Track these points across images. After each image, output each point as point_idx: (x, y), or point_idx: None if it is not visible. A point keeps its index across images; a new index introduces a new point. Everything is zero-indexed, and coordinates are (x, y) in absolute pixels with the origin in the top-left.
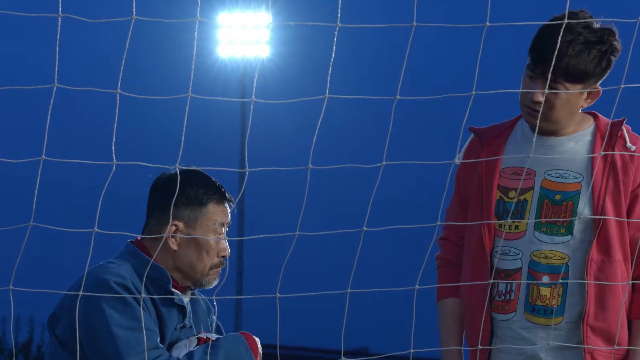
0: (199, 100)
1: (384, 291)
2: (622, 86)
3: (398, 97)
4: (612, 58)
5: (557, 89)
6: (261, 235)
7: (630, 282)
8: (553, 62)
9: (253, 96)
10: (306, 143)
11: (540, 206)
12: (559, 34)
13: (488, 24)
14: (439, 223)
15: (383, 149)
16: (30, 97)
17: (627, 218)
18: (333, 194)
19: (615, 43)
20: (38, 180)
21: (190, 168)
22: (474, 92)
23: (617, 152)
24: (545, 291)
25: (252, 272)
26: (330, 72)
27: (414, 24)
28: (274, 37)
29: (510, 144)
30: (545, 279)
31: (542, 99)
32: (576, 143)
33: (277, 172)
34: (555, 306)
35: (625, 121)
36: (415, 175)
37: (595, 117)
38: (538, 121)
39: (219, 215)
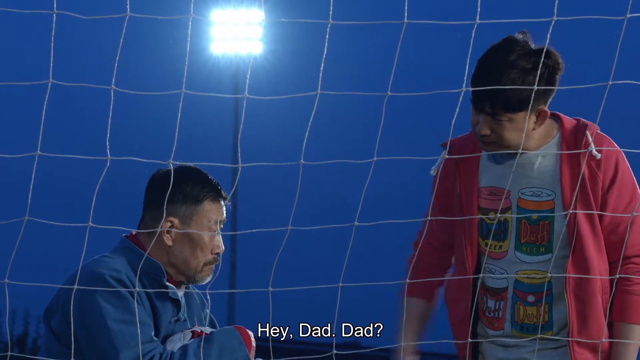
0: (192, 97)
1: (375, 285)
2: (610, 83)
3: (389, 93)
4: (555, 77)
5: (501, 120)
6: (254, 230)
7: (612, 277)
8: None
9: (246, 92)
10: (298, 139)
11: (519, 226)
12: (493, 68)
13: (478, 21)
14: (429, 218)
15: (374, 145)
16: (25, 93)
17: (600, 224)
18: (325, 189)
19: (552, 62)
20: (33, 175)
21: (187, 165)
22: (463, 89)
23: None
24: (531, 310)
25: (245, 266)
26: (322, 68)
27: (405, 21)
28: (266, 34)
29: (483, 163)
30: (531, 298)
31: (488, 131)
32: (544, 158)
33: (269, 167)
34: (543, 323)
35: (587, 127)
36: (406, 171)
37: (560, 123)
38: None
39: (214, 213)
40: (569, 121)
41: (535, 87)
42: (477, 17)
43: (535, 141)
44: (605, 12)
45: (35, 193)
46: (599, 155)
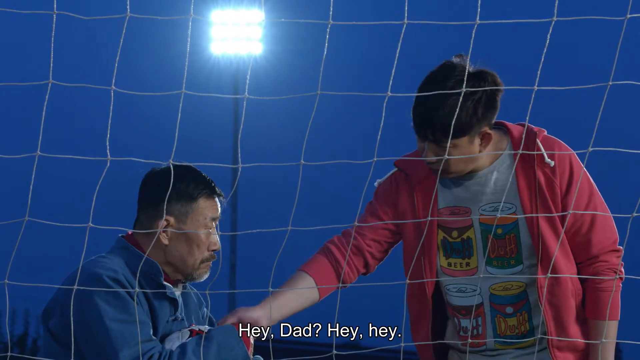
0: (193, 97)
1: (374, 285)
2: (610, 83)
3: (389, 93)
4: (495, 98)
5: (445, 147)
6: (254, 230)
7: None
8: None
9: (246, 93)
10: (298, 139)
11: (486, 241)
12: (431, 96)
13: (478, 21)
14: (429, 218)
15: (374, 145)
16: (26, 94)
17: (562, 229)
18: (325, 189)
19: (489, 85)
20: (33, 176)
21: (180, 163)
22: (464, 89)
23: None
24: (512, 321)
25: (245, 266)
26: (322, 69)
27: (405, 21)
28: (266, 34)
29: (440, 186)
30: (509, 310)
31: (433, 159)
32: (499, 172)
33: (269, 168)
34: (525, 332)
35: (536, 134)
36: None
37: (508, 134)
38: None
39: (210, 210)
40: (516, 129)
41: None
42: (477, 18)
43: (486, 158)
44: (605, 13)
45: (35, 193)
46: (552, 162)
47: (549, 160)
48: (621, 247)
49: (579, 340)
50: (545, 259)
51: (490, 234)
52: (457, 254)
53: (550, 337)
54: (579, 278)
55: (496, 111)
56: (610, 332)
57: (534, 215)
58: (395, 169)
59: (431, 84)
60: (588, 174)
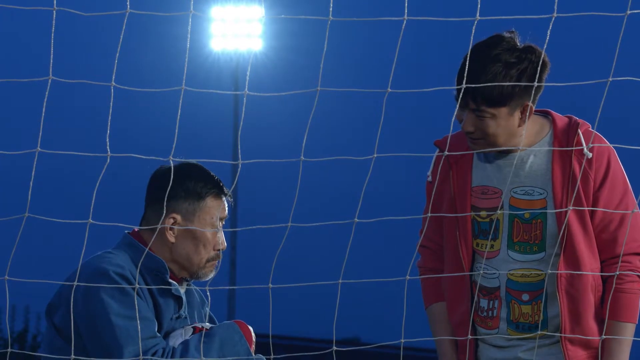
0: (193, 93)
1: (375, 282)
2: (610, 79)
3: (389, 90)
4: (541, 74)
5: (484, 116)
6: (254, 227)
7: (604, 275)
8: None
9: (246, 89)
10: (298, 135)
11: (512, 225)
12: (476, 61)
13: (478, 17)
14: (429, 214)
15: (375, 142)
16: (27, 90)
17: (592, 222)
18: (325, 185)
19: (536, 58)
20: (33, 172)
21: (189, 161)
22: (464, 85)
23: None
24: (526, 309)
25: (245, 263)
26: (322, 65)
27: (405, 17)
28: (266, 30)
29: (474, 162)
30: (525, 297)
31: (471, 128)
32: (535, 156)
33: (269, 164)
34: (538, 321)
35: (579, 125)
36: (407, 167)
37: (552, 121)
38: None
39: (217, 210)
40: (560, 119)
41: (536, 84)
42: (478, 14)
43: (525, 139)
44: (606, 9)
45: (35, 190)
46: (590, 154)
47: (587, 152)
48: None
49: (589, 337)
50: (569, 249)
51: (517, 218)
52: (484, 235)
53: (562, 335)
54: (601, 276)
55: (541, 89)
56: (626, 335)
57: (562, 209)
58: (437, 151)
59: (478, 50)
60: (625, 173)
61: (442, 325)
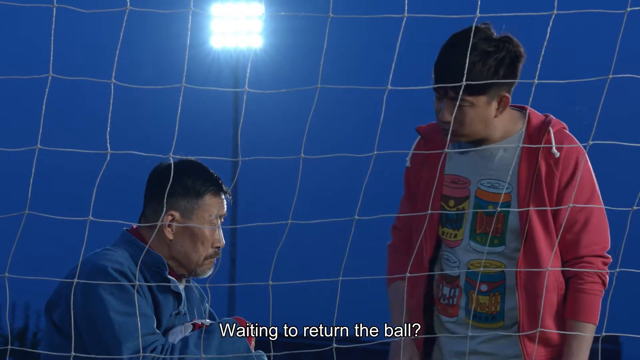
0: (193, 91)
1: (375, 279)
2: (610, 76)
3: (389, 87)
4: (516, 65)
5: (462, 105)
6: (254, 224)
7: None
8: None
9: (246, 86)
10: (298, 132)
11: (475, 216)
12: (454, 51)
13: (478, 14)
14: (429, 212)
15: (375, 139)
16: (27, 87)
17: (554, 221)
18: (325, 183)
19: (513, 48)
20: (33, 169)
21: (188, 159)
22: (464, 82)
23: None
24: (483, 299)
25: (245, 260)
26: (322, 62)
27: (405, 14)
28: (266, 27)
29: (450, 150)
30: (484, 287)
31: (449, 118)
32: (505, 151)
33: (269, 161)
34: (495, 313)
35: (551, 123)
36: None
37: (527, 118)
38: (449, 137)
39: (216, 207)
40: (536, 116)
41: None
42: (478, 11)
43: (498, 132)
44: (606, 6)
45: (35, 187)
46: (557, 154)
47: (555, 151)
48: (610, 256)
49: (549, 330)
50: (529, 246)
51: (481, 210)
52: (451, 224)
53: (520, 333)
54: (564, 276)
55: (516, 78)
56: (587, 334)
57: (523, 209)
58: (418, 137)
59: (455, 41)
60: (594, 176)
61: (401, 304)
